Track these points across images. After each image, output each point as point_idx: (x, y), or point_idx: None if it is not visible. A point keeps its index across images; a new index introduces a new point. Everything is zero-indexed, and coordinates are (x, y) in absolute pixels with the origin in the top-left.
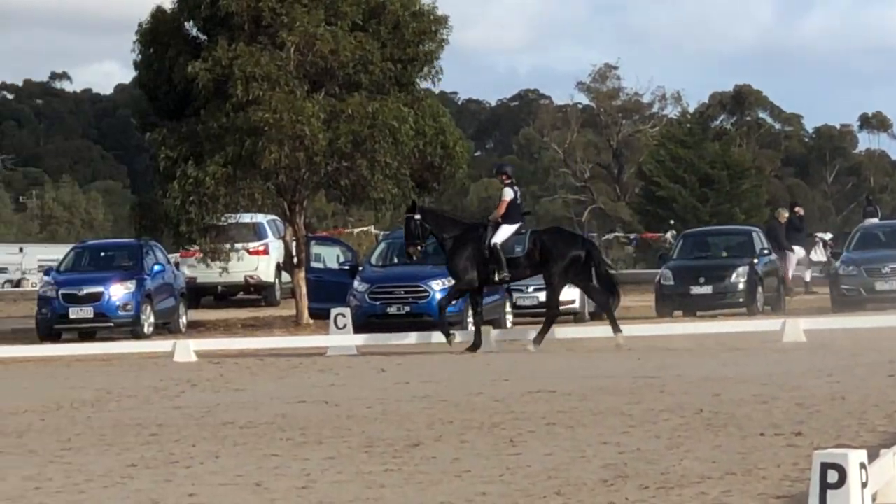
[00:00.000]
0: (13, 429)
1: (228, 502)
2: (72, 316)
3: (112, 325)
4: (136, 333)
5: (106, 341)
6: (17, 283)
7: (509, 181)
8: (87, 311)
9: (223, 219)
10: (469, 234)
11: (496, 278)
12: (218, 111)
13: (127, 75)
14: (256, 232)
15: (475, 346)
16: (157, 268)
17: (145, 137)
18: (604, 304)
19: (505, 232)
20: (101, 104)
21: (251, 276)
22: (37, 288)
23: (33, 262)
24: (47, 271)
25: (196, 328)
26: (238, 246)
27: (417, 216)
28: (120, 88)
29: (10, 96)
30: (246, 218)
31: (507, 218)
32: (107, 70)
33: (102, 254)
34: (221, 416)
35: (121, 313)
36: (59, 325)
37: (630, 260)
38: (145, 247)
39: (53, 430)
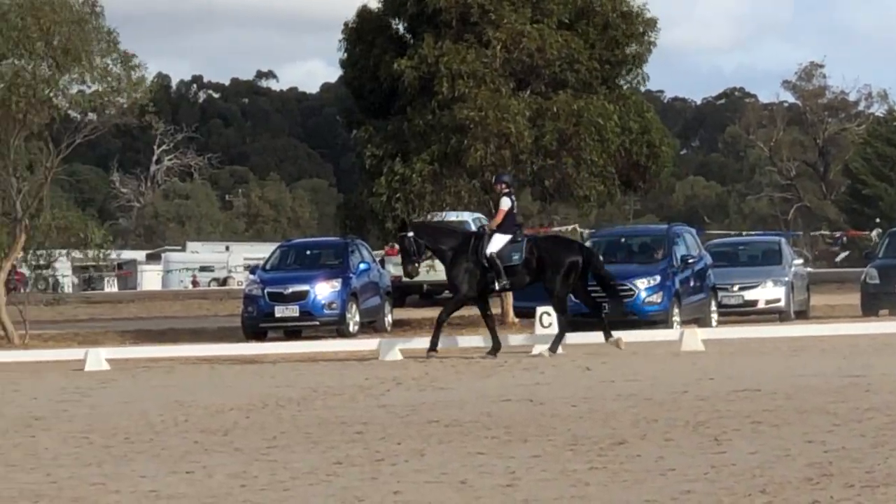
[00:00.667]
0: (219, 426)
1: (433, 500)
2: (277, 314)
3: (318, 323)
4: (342, 332)
5: (311, 340)
6: (224, 282)
7: (507, 191)
8: (292, 310)
9: (429, 216)
10: (466, 245)
11: (496, 287)
12: (423, 109)
13: (332, 74)
14: None
15: (495, 350)
16: (362, 266)
17: (351, 135)
18: (596, 310)
19: (499, 241)
20: (306, 102)
21: None
22: (243, 286)
23: (239, 260)
24: (253, 270)
25: (401, 327)
26: None
27: (410, 233)
28: (326, 87)
29: (216, 95)
30: (452, 216)
31: (502, 227)
32: (312, 69)
33: (308, 252)
34: (426, 415)
35: (326, 312)
36: (264, 323)
37: (828, 257)
38: (351, 245)
39: (259, 428)
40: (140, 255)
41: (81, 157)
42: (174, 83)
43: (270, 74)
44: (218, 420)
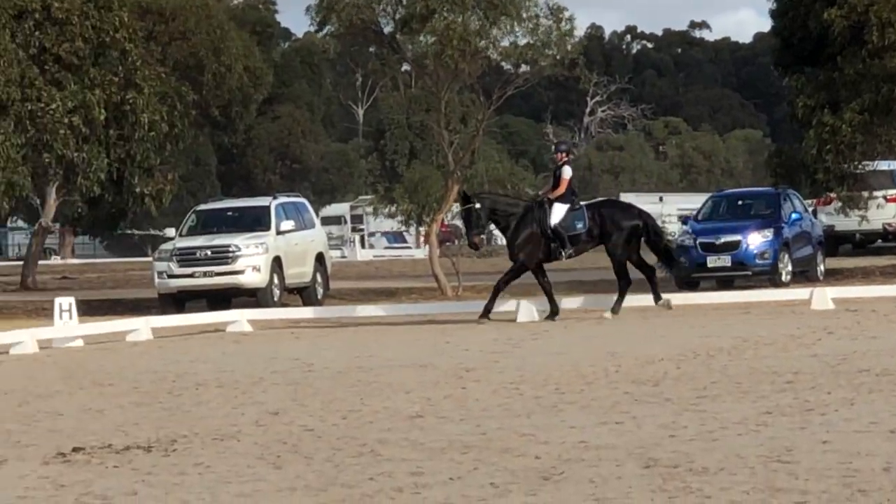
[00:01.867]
0: (650, 377)
1: (862, 449)
2: (710, 264)
3: (750, 273)
4: (774, 282)
5: (743, 290)
6: None
7: (567, 159)
8: (724, 260)
9: (860, 167)
10: (529, 215)
11: (563, 257)
12: (853, 58)
13: (764, 23)
14: (894, 179)
15: (554, 314)
16: (794, 216)
17: (783, 83)
18: (651, 274)
19: (560, 211)
20: (739, 52)
21: (889, 224)
22: (675, 237)
23: (672, 210)
24: (685, 220)
25: (833, 276)
26: (877, 194)
27: (477, 205)
28: (758, 37)
29: (650, 45)
30: (883, 165)
31: (562, 197)
32: (744, 18)
33: (740, 202)
34: (857, 364)
35: (758, 262)
36: (696, 273)
37: None
38: (783, 195)
39: (689, 379)
40: None
41: (514, 108)
42: (607, 34)
43: (703, 25)
44: (648, 370)
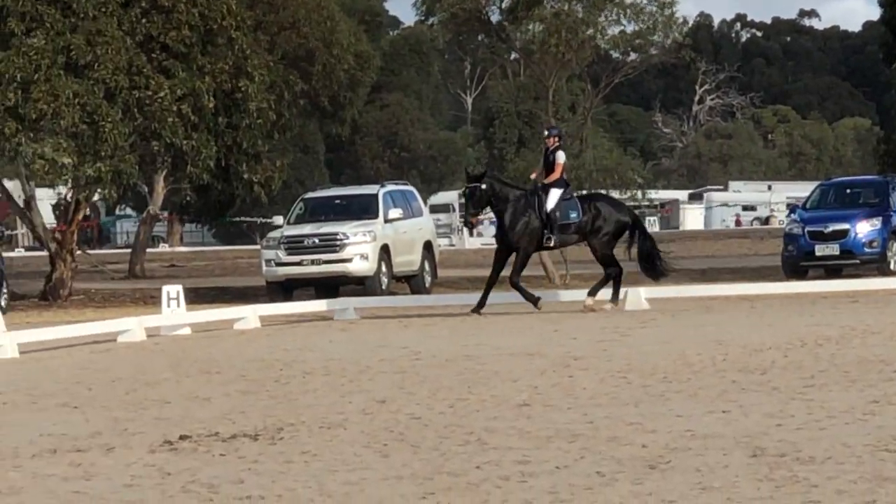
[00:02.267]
0: (757, 366)
1: None
2: (818, 253)
3: (858, 261)
4: (882, 270)
5: (851, 278)
6: (766, 221)
7: (559, 143)
8: (832, 249)
9: None
10: (525, 201)
11: (551, 244)
12: None
13: (873, 12)
14: None
15: (479, 307)
16: None
17: (890, 72)
18: (619, 273)
19: (555, 196)
20: (848, 41)
21: None
22: (783, 226)
23: (781, 199)
24: (793, 209)
25: None
26: None
27: (484, 185)
28: (867, 25)
29: (759, 34)
30: None
31: (557, 182)
32: (853, 7)
33: (848, 191)
34: None
35: (866, 250)
36: (805, 262)
37: None
38: (891, 183)
39: (796, 367)
40: (682, 194)
41: (622, 97)
42: (716, 22)
43: (812, 13)
44: (756, 359)
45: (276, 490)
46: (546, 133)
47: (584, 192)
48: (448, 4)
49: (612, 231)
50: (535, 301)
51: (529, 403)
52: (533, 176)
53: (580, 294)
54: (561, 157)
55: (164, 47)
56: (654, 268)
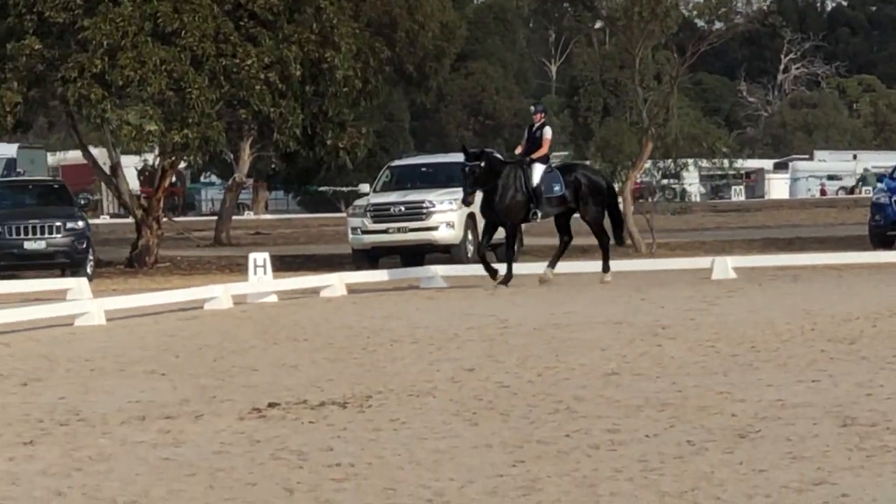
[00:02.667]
0: (846, 335)
1: None
2: None
3: None
4: None
5: None
6: (851, 191)
7: (544, 119)
8: None
9: None
10: (512, 175)
11: (537, 219)
12: None
13: None
14: None
15: (507, 279)
16: None
17: None
18: (605, 242)
19: (538, 171)
20: None
21: None
22: (870, 195)
23: (867, 168)
24: (880, 178)
25: None
26: None
27: (482, 163)
28: None
29: (844, 3)
30: None
31: (542, 157)
32: None
33: None
34: None
35: None
36: (892, 231)
37: None
38: None
39: (885, 337)
40: (767, 163)
41: (708, 65)
42: None
43: None
44: (844, 328)
45: (365, 457)
46: (532, 109)
47: (569, 163)
48: None
49: (596, 199)
50: (493, 275)
51: (618, 372)
52: (518, 151)
53: (668, 262)
54: (548, 132)
55: (252, 15)
56: (619, 235)
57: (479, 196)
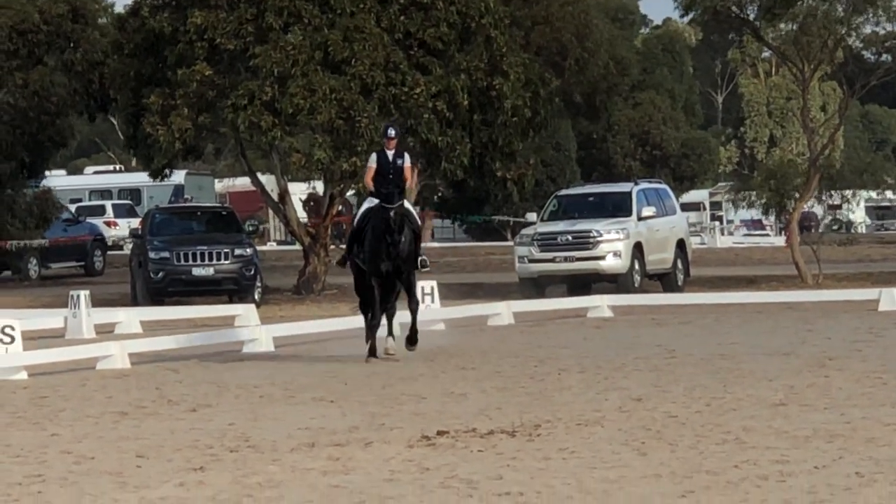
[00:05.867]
0: None
1: None
2: None
3: None
4: None
5: None
6: None
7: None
8: None
9: None
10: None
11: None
12: None
13: None
14: None
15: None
16: None
17: None
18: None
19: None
20: None
21: None
22: None
23: None
24: None
25: None
26: None
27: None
28: None
29: None
30: None
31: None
32: None
33: None
34: None
35: None
36: None
37: None
38: None
39: None
40: None
41: (876, 97)
42: None
43: None
44: None
45: (534, 486)
46: (389, 133)
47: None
48: (709, 2)
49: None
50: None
51: (786, 403)
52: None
53: (834, 294)
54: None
55: (422, 44)
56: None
57: None
